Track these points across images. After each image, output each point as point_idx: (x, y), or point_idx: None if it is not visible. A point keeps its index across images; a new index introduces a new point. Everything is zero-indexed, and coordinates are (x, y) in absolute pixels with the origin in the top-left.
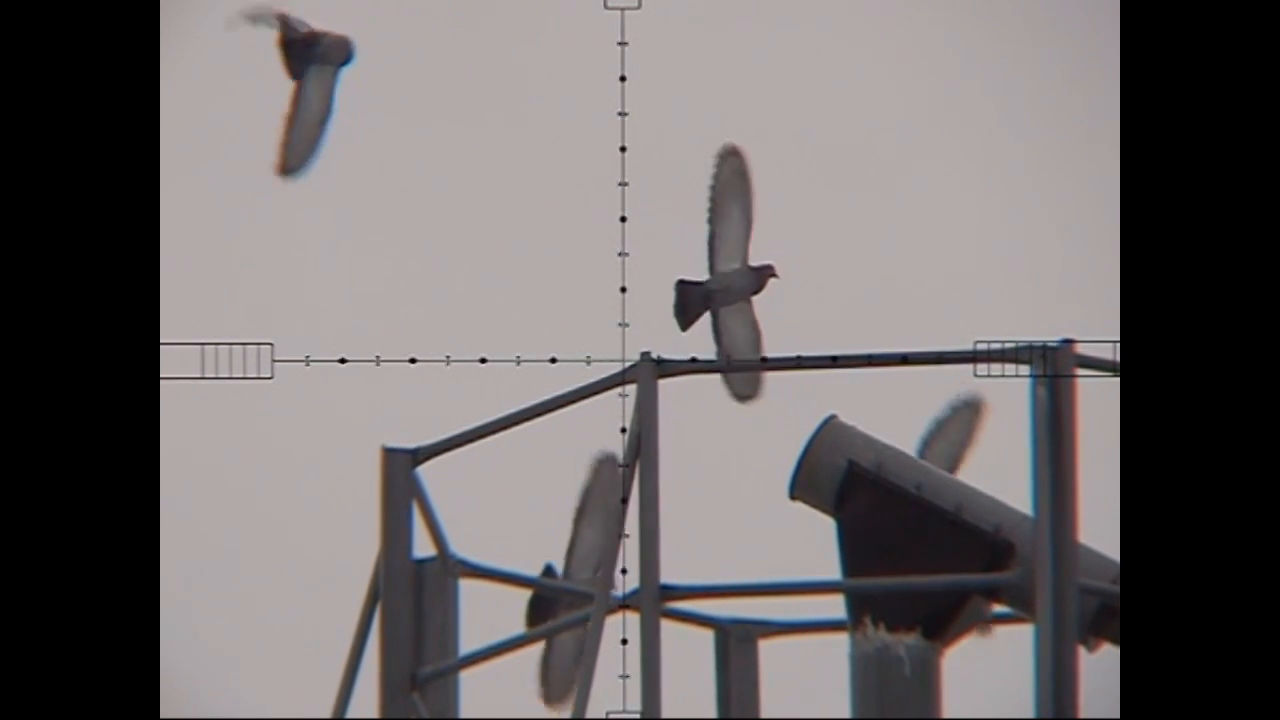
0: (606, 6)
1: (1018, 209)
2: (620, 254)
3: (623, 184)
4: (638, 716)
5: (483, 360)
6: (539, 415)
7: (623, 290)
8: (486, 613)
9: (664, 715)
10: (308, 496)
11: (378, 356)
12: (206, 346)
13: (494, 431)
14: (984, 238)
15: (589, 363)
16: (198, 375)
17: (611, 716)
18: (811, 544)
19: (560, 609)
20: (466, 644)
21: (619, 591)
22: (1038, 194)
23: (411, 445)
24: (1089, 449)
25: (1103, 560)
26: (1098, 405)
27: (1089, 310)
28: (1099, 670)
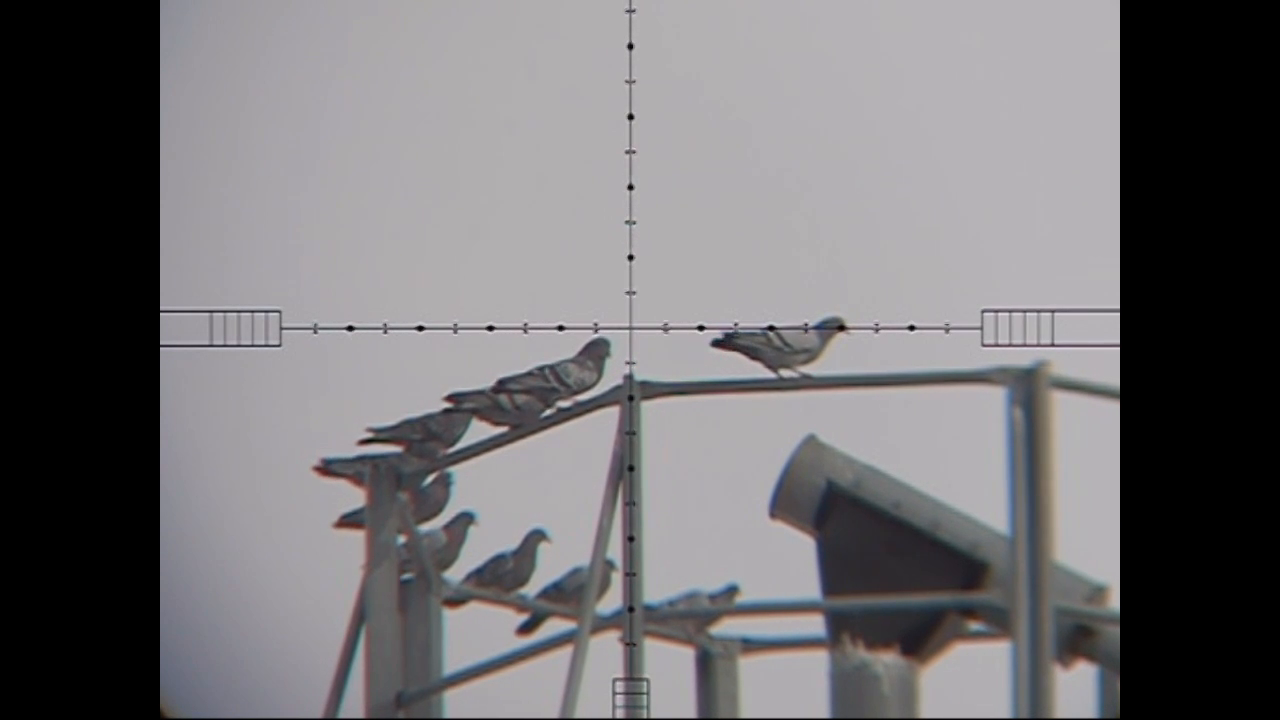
0: None
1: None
2: (628, 222)
3: (630, 152)
4: None
5: (490, 328)
6: (524, 437)
7: (630, 258)
8: (472, 633)
9: None
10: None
11: (385, 324)
12: (214, 314)
13: (477, 454)
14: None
15: (596, 329)
16: (205, 343)
17: None
18: (792, 562)
19: None
20: (452, 664)
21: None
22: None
23: (400, 468)
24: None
25: (1079, 579)
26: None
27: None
28: (1075, 687)
